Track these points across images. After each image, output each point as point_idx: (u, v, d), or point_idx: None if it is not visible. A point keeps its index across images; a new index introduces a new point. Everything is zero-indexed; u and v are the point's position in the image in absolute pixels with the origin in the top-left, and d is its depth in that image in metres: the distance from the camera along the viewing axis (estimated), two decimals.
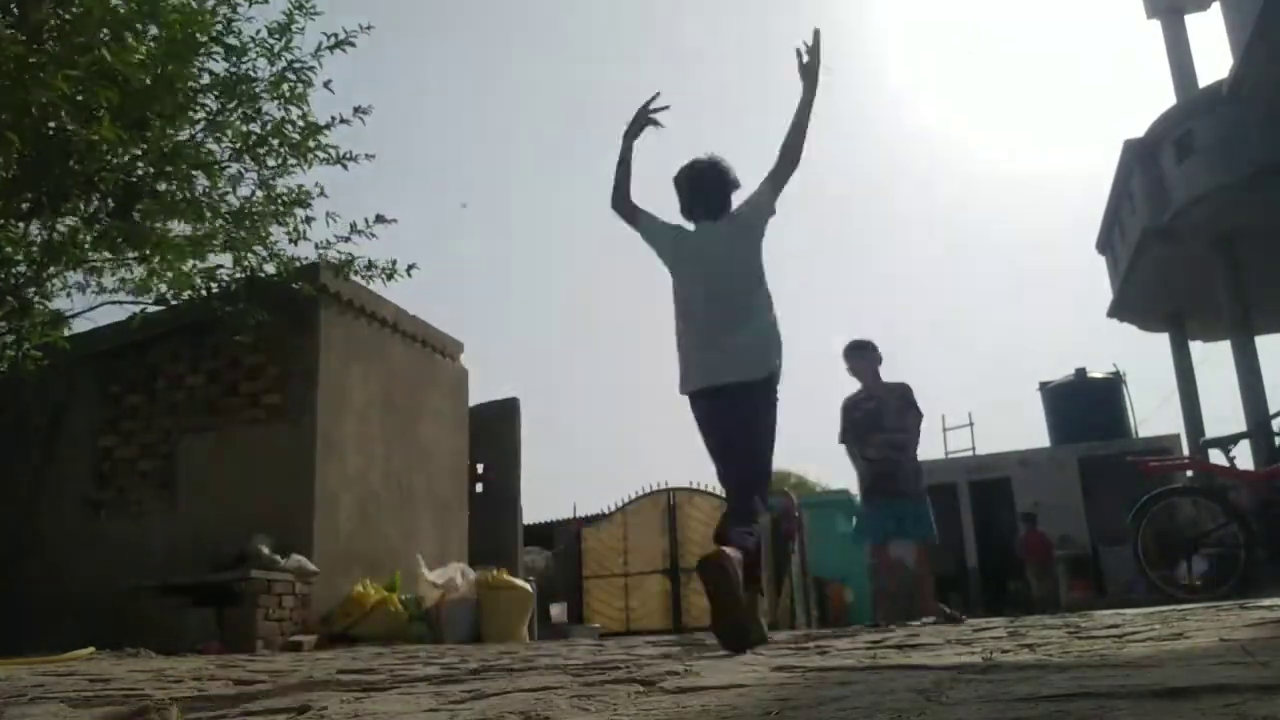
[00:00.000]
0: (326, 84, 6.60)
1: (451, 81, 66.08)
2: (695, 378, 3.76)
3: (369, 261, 7.21)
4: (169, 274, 6.92)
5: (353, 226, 7.05)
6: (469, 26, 65.93)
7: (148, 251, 6.64)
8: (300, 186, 6.93)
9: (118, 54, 5.49)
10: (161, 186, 6.48)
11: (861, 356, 6.38)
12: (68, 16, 5.74)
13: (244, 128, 6.58)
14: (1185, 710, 0.96)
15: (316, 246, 7.21)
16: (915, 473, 6.27)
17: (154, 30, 6.02)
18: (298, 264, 7.30)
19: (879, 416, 6.20)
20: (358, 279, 7.40)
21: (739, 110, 62.64)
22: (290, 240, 7.09)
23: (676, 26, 62.35)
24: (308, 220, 7.01)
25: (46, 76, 5.24)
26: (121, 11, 5.77)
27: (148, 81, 5.81)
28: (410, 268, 7.24)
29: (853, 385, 6.42)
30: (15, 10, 5.71)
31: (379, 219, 7.08)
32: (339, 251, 7.16)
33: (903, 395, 6.27)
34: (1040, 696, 1.10)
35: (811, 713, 1.17)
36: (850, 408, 6.35)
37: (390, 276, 7.23)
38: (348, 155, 6.81)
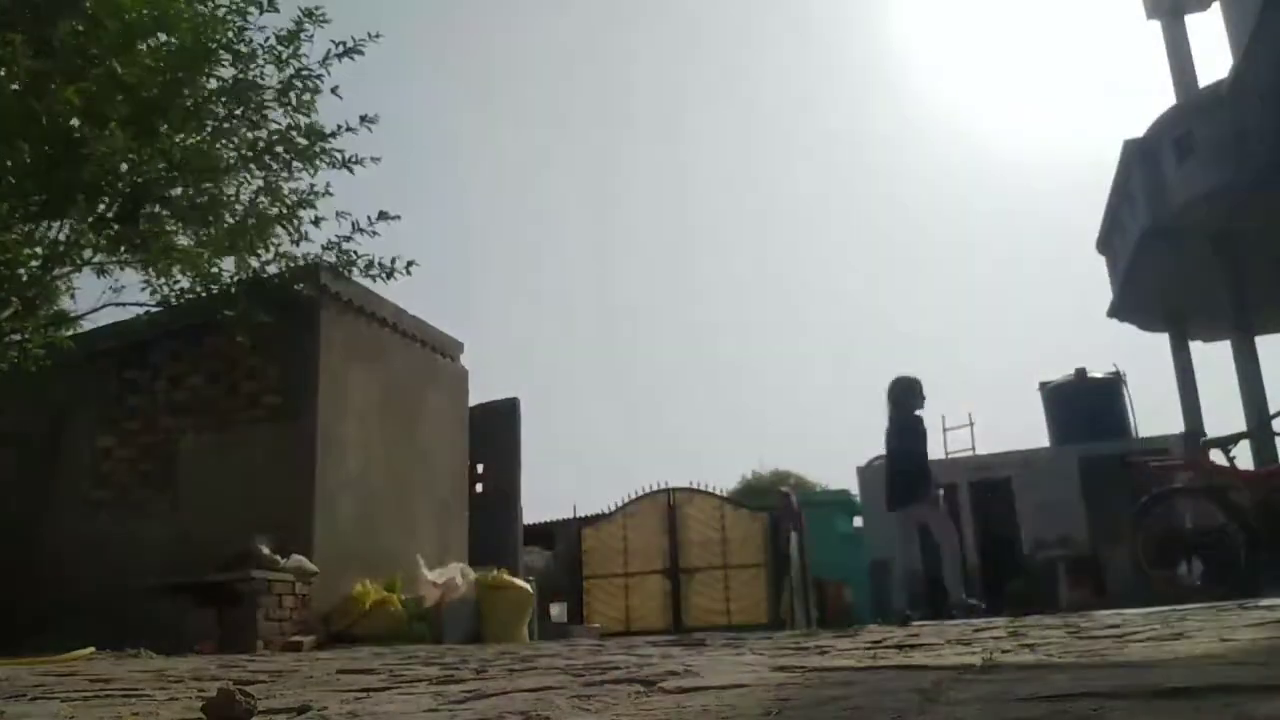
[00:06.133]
0: (334, 90, 6.60)
1: (454, 78, 66.13)
2: None
3: (370, 260, 7.22)
4: (178, 280, 6.92)
5: (355, 225, 7.06)
6: (475, 25, 65.98)
7: (153, 255, 6.65)
8: (311, 187, 6.95)
9: (129, 65, 5.51)
10: (172, 193, 6.50)
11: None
12: (81, 29, 5.75)
13: (250, 134, 6.58)
14: (1185, 710, 0.95)
15: (323, 248, 7.23)
16: None
17: (165, 38, 6.03)
18: (299, 264, 7.31)
19: None
20: (360, 277, 7.41)
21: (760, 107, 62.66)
22: (293, 241, 7.10)
23: (685, 20, 62.47)
24: (315, 221, 7.03)
25: (57, 87, 5.27)
26: (131, 18, 5.77)
27: (157, 90, 5.83)
28: (410, 264, 7.25)
29: None
30: (30, 20, 5.73)
31: (381, 215, 7.08)
32: (342, 250, 7.17)
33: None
34: (1041, 696, 1.10)
35: (811, 713, 1.17)
36: None
37: (390, 275, 7.24)
38: (353, 159, 6.80)
